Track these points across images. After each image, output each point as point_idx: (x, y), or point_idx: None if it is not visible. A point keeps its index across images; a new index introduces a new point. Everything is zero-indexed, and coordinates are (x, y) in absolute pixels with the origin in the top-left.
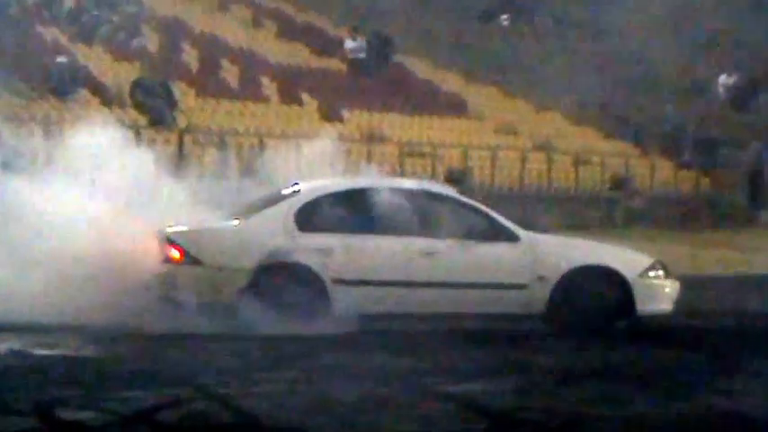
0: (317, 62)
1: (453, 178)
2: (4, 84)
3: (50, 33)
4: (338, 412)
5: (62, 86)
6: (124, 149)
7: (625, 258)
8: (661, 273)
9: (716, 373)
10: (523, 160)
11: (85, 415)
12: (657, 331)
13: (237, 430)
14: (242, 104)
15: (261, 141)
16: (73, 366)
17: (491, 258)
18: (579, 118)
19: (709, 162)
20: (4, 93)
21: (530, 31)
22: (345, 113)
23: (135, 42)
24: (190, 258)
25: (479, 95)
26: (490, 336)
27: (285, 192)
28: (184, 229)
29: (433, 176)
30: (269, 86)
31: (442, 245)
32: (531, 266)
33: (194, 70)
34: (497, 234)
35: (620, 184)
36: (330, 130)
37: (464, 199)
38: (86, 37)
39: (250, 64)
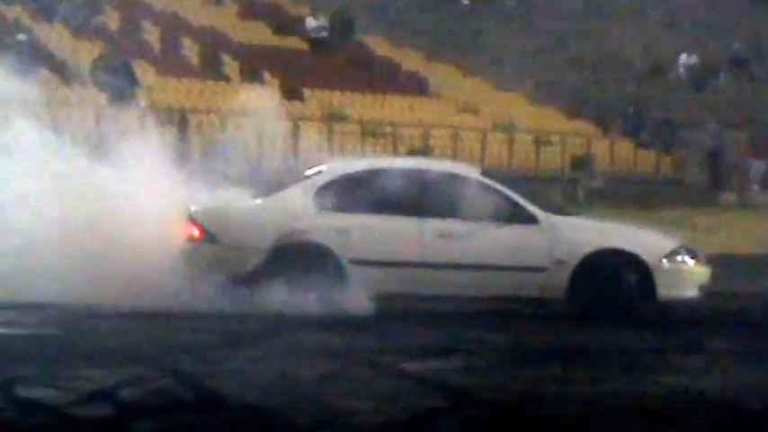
0: (278, 41)
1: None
2: None
3: (11, 12)
4: (301, 390)
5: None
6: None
7: (647, 242)
8: (686, 258)
9: (672, 351)
10: (484, 140)
11: (46, 393)
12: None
13: (198, 408)
14: (203, 83)
15: (221, 120)
16: (34, 344)
17: (509, 241)
18: (540, 97)
19: (669, 142)
20: None
21: (491, 10)
22: (306, 92)
23: (95, 20)
24: (208, 236)
25: (441, 75)
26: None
27: (308, 172)
28: (205, 207)
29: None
30: (230, 65)
31: (460, 226)
32: (549, 249)
33: (155, 49)
34: (517, 216)
35: (580, 163)
36: (291, 108)
37: (485, 180)
38: (47, 15)
39: (211, 43)
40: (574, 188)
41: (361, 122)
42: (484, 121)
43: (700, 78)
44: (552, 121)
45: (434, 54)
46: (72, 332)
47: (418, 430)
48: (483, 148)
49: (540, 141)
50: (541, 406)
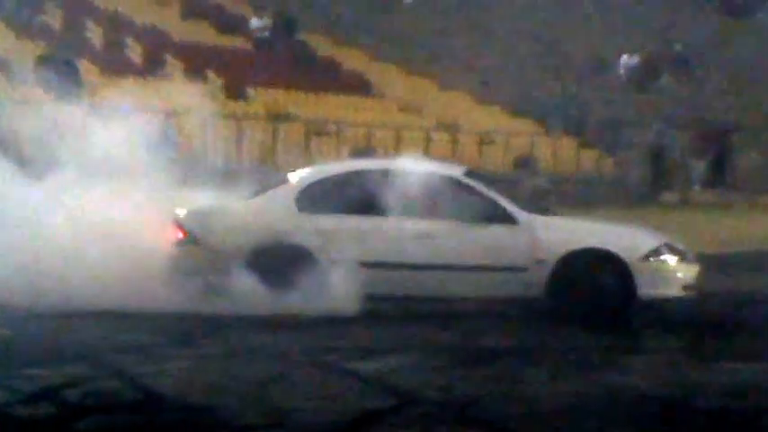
0: (221, 40)
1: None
2: None
3: None
4: (243, 390)
5: None
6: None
7: (628, 241)
8: (668, 256)
9: (612, 348)
10: (428, 140)
11: None
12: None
13: (140, 408)
14: (145, 81)
15: (165, 119)
16: None
17: (489, 241)
18: (484, 96)
19: (611, 142)
20: None
21: (433, 8)
22: (251, 91)
23: (38, 19)
24: (192, 238)
25: (383, 74)
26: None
27: (290, 175)
28: (188, 209)
29: (338, 156)
30: (174, 64)
31: (440, 227)
32: (529, 249)
33: (98, 47)
34: (496, 216)
35: (524, 163)
36: (235, 107)
37: (466, 180)
38: None
39: (154, 42)
40: (516, 188)
41: (305, 122)
42: (427, 121)
43: (642, 78)
44: (496, 119)
45: (376, 52)
46: (19, 332)
47: (362, 429)
48: (426, 148)
49: (483, 141)
50: (484, 405)
